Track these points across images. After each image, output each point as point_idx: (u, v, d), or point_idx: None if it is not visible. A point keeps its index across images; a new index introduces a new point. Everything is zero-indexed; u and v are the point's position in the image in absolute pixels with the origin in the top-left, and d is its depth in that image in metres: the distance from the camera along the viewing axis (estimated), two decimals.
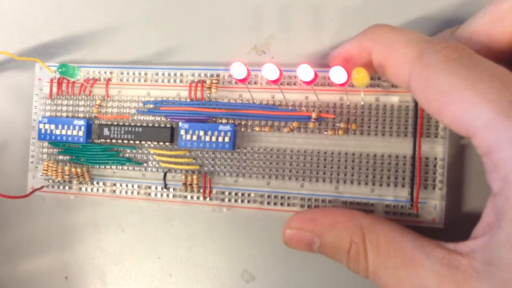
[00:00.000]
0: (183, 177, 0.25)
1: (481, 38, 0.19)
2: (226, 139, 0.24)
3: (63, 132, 0.27)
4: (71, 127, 0.27)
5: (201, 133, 0.25)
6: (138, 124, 0.26)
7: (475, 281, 0.16)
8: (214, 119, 0.25)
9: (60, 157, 0.27)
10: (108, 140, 0.26)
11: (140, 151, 0.26)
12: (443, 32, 0.21)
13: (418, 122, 0.22)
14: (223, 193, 0.25)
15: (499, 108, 0.15)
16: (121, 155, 0.27)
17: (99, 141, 0.27)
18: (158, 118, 0.26)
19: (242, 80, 0.22)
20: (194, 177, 0.25)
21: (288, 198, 0.24)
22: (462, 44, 0.18)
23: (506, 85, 0.16)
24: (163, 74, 0.26)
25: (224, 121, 0.25)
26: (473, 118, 0.16)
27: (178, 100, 0.26)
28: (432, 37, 0.19)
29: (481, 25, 0.19)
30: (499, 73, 0.16)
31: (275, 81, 0.22)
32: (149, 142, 0.26)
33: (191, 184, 0.25)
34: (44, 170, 0.27)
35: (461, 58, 0.17)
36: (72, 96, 0.27)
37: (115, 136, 0.26)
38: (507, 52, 0.19)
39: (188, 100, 0.26)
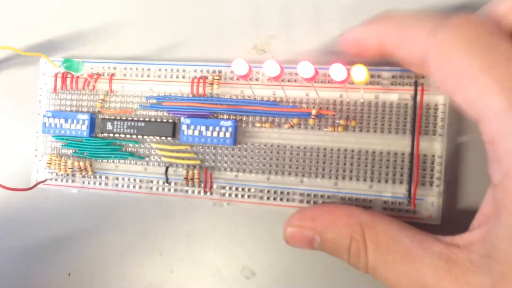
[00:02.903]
0: (185, 171, 0.26)
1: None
2: (227, 135, 0.25)
3: (67, 126, 0.27)
4: (75, 121, 0.27)
5: (203, 128, 0.25)
6: (141, 119, 0.26)
7: (472, 274, 0.16)
8: (215, 115, 0.25)
9: (64, 150, 0.28)
10: (111, 135, 0.27)
11: (142, 146, 0.27)
12: None
13: (417, 119, 0.23)
14: (223, 187, 0.25)
15: (511, 98, 0.15)
16: (123, 149, 0.27)
17: (102, 135, 0.27)
18: (160, 113, 0.26)
19: (244, 77, 0.23)
20: (195, 171, 0.25)
21: (288, 193, 0.25)
22: (480, 18, 0.17)
23: None
24: (165, 70, 0.26)
25: (225, 116, 0.25)
26: (484, 104, 0.16)
27: (180, 95, 0.26)
28: None
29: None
30: None
31: (276, 78, 0.22)
32: (151, 137, 0.26)
33: (192, 179, 0.25)
34: (47, 163, 0.27)
35: (479, 36, 0.16)
36: (76, 91, 0.28)
37: (118, 130, 0.26)
38: None
39: (190, 95, 0.26)
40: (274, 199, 0.25)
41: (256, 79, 0.25)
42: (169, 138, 0.26)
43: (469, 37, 0.16)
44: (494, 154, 0.16)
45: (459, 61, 0.16)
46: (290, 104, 0.25)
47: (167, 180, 0.26)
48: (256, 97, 0.25)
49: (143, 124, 0.26)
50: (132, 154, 0.27)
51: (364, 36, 0.21)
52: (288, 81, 0.25)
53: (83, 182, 0.27)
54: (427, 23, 0.18)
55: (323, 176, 0.24)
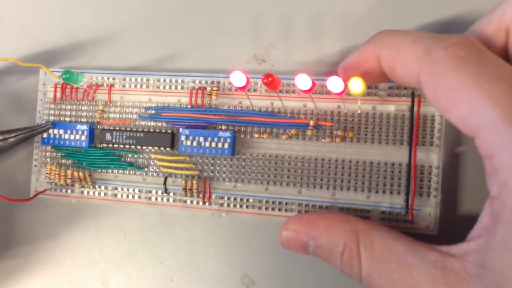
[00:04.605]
0: (183, 182, 0.26)
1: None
2: (226, 145, 0.25)
3: (66, 136, 0.27)
4: (74, 131, 0.27)
5: (201, 139, 0.25)
6: (140, 130, 0.26)
7: (467, 283, 0.16)
8: (214, 126, 0.26)
9: (63, 161, 0.28)
10: (110, 145, 0.27)
11: (141, 156, 0.27)
12: None
13: (414, 130, 0.23)
14: (222, 198, 0.26)
15: (504, 111, 0.15)
16: (122, 159, 0.27)
17: (101, 146, 0.27)
18: (159, 124, 0.26)
19: (242, 88, 0.23)
20: (194, 182, 0.26)
21: (286, 203, 0.25)
22: (470, 37, 0.18)
23: None
24: (164, 81, 0.27)
25: (224, 127, 0.26)
26: (478, 119, 0.16)
27: (179, 106, 0.26)
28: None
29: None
30: (507, 74, 0.16)
31: (274, 89, 0.23)
32: (150, 147, 0.26)
33: (191, 189, 0.26)
34: (47, 173, 0.28)
35: (469, 56, 0.17)
36: (75, 101, 0.28)
37: (117, 141, 0.27)
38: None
39: (189, 106, 0.26)
40: (273, 209, 0.25)
41: (255, 90, 0.25)
42: (167, 149, 0.26)
43: (460, 57, 0.17)
44: (491, 167, 0.16)
45: (450, 80, 0.17)
46: (288, 115, 0.25)
47: (166, 191, 0.26)
48: (254, 108, 0.25)
49: (142, 134, 0.26)
50: (131, 165, 0.27)
51: (361, 58, 0.21)
52: (286, 92, 0.25)
53: (82, 192, 0.27)
54: (419, 45, 0.18)
55: (321, 187, 0.24)
